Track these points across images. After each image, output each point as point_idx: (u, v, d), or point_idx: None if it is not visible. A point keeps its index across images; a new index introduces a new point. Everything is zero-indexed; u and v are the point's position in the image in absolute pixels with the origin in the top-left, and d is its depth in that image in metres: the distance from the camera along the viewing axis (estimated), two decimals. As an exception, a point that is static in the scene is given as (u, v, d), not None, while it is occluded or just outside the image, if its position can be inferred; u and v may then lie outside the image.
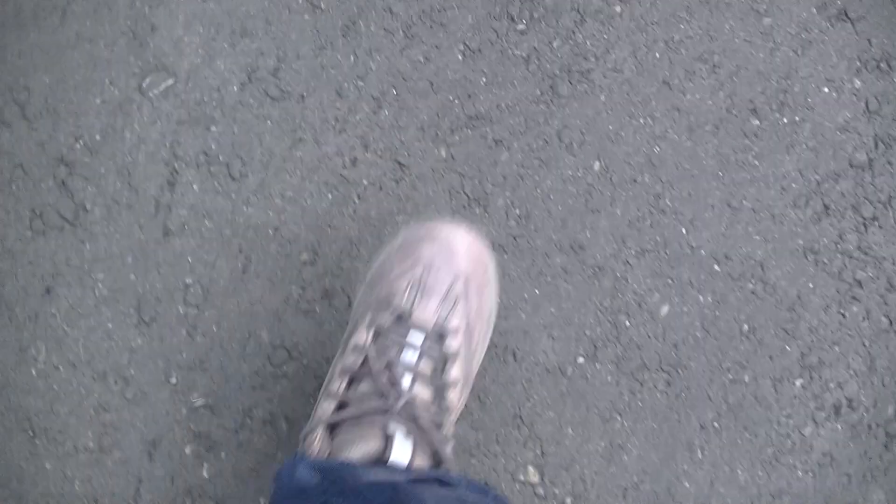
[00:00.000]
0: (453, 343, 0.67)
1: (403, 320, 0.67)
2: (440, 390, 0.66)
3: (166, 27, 0.90)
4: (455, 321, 0.68)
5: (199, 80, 0.89)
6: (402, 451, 0.62)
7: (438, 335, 0.67)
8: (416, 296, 0.68)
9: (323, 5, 0.89)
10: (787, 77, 0.88)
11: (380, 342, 0.66)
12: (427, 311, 0.67)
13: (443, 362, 0.67)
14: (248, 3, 0.91)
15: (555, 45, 0.87)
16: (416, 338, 0.66)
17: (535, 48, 0.88)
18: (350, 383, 0.66)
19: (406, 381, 0.65)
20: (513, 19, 0.87)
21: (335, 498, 0.57)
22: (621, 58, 0.88)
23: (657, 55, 0.88)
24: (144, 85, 0.88)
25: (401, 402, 0.63)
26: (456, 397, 0.68)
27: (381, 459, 0.62)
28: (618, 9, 0.89)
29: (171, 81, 0.89)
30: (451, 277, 0.69)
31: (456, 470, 0.65)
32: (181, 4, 0.90)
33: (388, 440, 0.62)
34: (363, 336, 0.67)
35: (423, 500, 0.55)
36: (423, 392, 0.66)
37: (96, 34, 0.90)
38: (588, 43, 0.88)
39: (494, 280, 0.75)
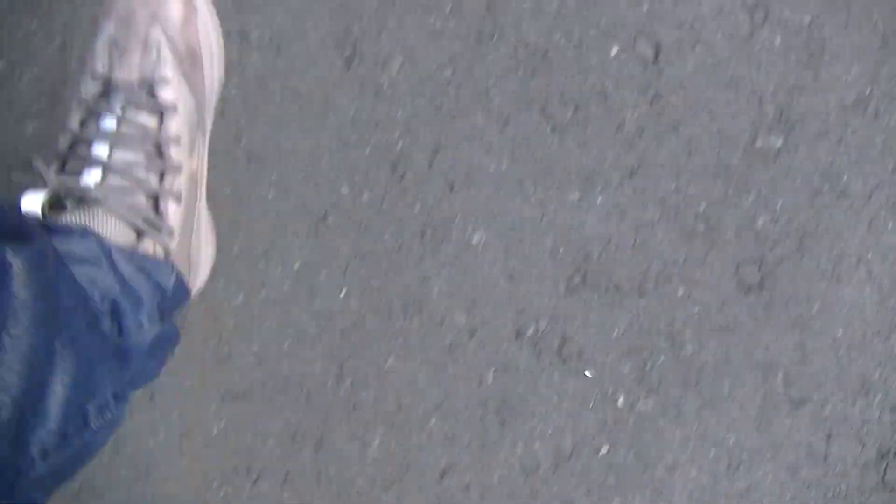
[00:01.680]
0: (167, 95, 0.64)
1: (106, 85, 0.64)
2: (158, 148, 0.64)
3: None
4: (166, 71, 0.64)
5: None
6: (30, 202, 0.60)
7: (147, 90, 0.64)
8: (114, 55, 0.64)
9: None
10: None
11: (88, 118, 0.64)
12: (128, 69, 0.64)
13: (159, 116, 0.64)
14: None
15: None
16: (116, 101, 0.63)
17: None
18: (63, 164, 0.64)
19: (101, 149, 0.62)
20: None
21: None
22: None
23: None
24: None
25: (85, 177, 0.62)
26: (182, 154, 0.65)
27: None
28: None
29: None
30: (147, 23, 0.64)
31: (167, 235, 0.63)
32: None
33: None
34: (74, 118, 0.64)
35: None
36: (126, 156, 0.63)
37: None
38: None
39: (205, 7, 0.69)
